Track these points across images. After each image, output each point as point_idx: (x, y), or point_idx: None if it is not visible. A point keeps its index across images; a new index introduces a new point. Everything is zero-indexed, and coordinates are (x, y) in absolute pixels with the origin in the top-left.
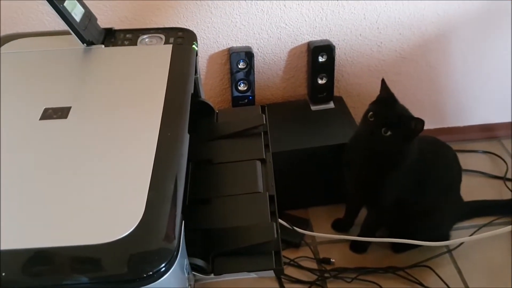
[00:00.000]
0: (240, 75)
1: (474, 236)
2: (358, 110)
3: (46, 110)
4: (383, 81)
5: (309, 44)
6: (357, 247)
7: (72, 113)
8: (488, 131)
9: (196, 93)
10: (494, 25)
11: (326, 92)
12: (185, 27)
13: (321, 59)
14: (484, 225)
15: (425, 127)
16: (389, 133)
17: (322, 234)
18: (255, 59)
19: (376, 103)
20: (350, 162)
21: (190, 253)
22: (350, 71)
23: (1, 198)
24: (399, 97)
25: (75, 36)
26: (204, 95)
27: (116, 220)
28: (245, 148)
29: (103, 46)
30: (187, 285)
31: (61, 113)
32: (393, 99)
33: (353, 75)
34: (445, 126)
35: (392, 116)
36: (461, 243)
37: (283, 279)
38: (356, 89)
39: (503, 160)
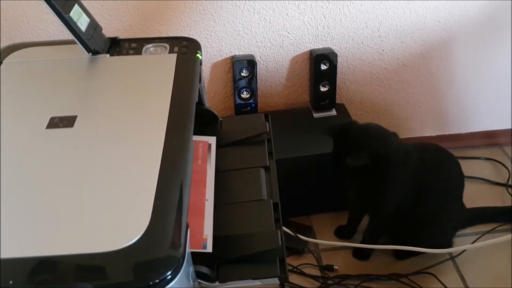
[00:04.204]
0: (243, 83)
1: (476, 243)
2: (360, 118)
3: (52, 119)
4: (325, 130)
5: (311, 52)
6: (360, 254)
7: (78, 121)
8: (490, 138)
9: (200, 101)
10: (495, 33)
11: (328, 100)
12: (189, 36)
13: (323, 67)
14: (487, 232)
15: (427, 134)
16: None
17: (325, 241)
18: (257, 67)
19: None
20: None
21: (196, 261)
22: (352, 78)
23: (7, 206)
24: (401, 104)
25: (81, 46)
26: (208, 103)
27: (122, 228)
28: (249, 155)
29: (108, 55)
30: None
31: (67, 121)
32: (343, 137)
33: (355, 83)
34: (447, 133)
35: (339, 158)
36: (464, 250)
37: (286, 286)
38: (358, 96)
39: (505, 167)
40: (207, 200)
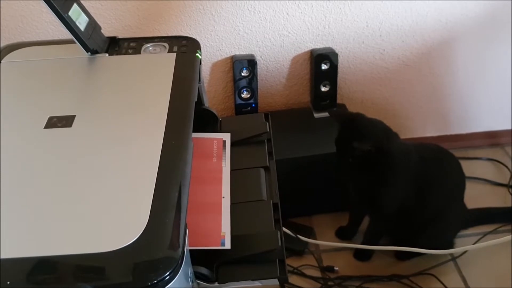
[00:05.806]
0: (243, 82)
1: (478, 244)
2: None
3: (50, 118)
4: (330, 113)
5: (312, 51)
6: (361, 255)
7: (76, 121)
8: (492, 138)
9: (199, 101)
10: (496, 33)
11: (329, 100)
12: (188, 35)
13: (324, 67)
14: (488, 233)
15: (429, 134)
16: (350, 160)
17: (326, 242)
18: (258, 66)
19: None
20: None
21: (195, 261)
22: (353, 78)
23: (5, 206)
24: (402, 104)
25: (80, 45)
26: (208, 103)
27: (120, 228)
28: (249, 156)
29: (107, 54)
30: None
31: (65, 121)
32: (350, 124)
33: (356, 83)
34: (448, 133)
35: (344, 143)
36: (465, 251)
37: (286, 287)
38: (359, 96)
39: (506, 167)
40: (223, 197)
